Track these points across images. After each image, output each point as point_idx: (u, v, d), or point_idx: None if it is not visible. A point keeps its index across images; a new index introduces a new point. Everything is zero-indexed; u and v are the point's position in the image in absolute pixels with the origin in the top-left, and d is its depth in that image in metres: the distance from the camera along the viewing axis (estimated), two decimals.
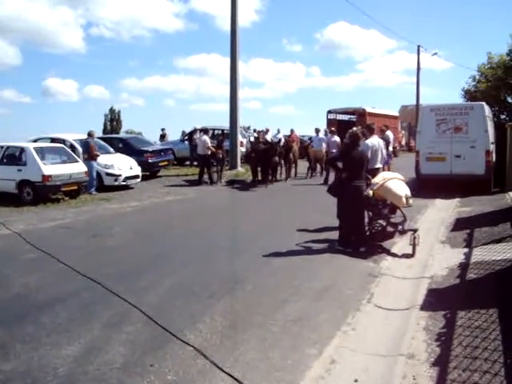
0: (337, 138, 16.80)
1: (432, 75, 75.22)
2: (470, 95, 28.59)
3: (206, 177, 16.12)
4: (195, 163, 19.27)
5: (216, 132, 21.84)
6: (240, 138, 19.66)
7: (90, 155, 13.55)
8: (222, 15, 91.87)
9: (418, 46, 37.41)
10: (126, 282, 5.75)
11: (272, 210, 11.38)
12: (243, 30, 59.34)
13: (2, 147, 12.91)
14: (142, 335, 4.30)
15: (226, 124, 20.26)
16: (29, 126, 78.46)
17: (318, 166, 18.13)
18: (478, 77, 28.65)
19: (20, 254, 7.15)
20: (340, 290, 5.51)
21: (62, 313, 4.83)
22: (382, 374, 3.71)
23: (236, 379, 3.53)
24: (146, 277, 5.96)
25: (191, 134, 19.98)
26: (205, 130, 16.91)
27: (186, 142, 20.89)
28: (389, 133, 14.05)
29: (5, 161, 12.67)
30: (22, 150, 12.46)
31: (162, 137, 24.14)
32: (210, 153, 15.67)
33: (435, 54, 38.49)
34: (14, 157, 12.63)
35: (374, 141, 8.76)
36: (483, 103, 13.76)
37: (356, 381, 3.59)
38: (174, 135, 24.88)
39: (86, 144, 13.91)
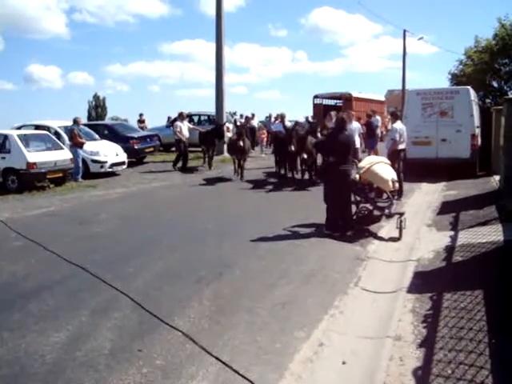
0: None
1: (418, 60, 75.45)
2: (456, 79, 28.70)
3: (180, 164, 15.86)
4: None
5: (202, 118, 21.71)
6: (226, 124, 19.52)
7: (73, 142, 13.41)
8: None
9: (404, 31, 37.14)
10: (114, 269, 5.72)
11: (258, 195, 11.35)
12: (228, 14, 58.56)
13: None
14: (130, 321, 4.30)
15: (211, 109, 20.10)
16: (12, 114, 77.33)
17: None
18: (464, 60, 28.75)
19: (6, 242, 7.06)
20: (327, 273, 5.55)
21: (49, 300, 4.79)
22: (369, 356, 3.76)
23: (224, 363, 3.55)
24: (133, 263, 5.93)
25: (175, 120, 19.74)
26: (181, 116, 16.44)
27: (172, 128, 20.63)
28: (378, 118, 14.06)
29: None
30: (6, 137, 12.20)
31: (141, 122, 23.38)
32: (179, 139, 15.52)
33: (421, 38, 38.12)
34: None
35: (401, 125, 10.30)
36: (469, 87, 13.82)
37: (344, 363, 3.63)
38: (159, 121, 24.37)
39: (70, 131, 13.76)
